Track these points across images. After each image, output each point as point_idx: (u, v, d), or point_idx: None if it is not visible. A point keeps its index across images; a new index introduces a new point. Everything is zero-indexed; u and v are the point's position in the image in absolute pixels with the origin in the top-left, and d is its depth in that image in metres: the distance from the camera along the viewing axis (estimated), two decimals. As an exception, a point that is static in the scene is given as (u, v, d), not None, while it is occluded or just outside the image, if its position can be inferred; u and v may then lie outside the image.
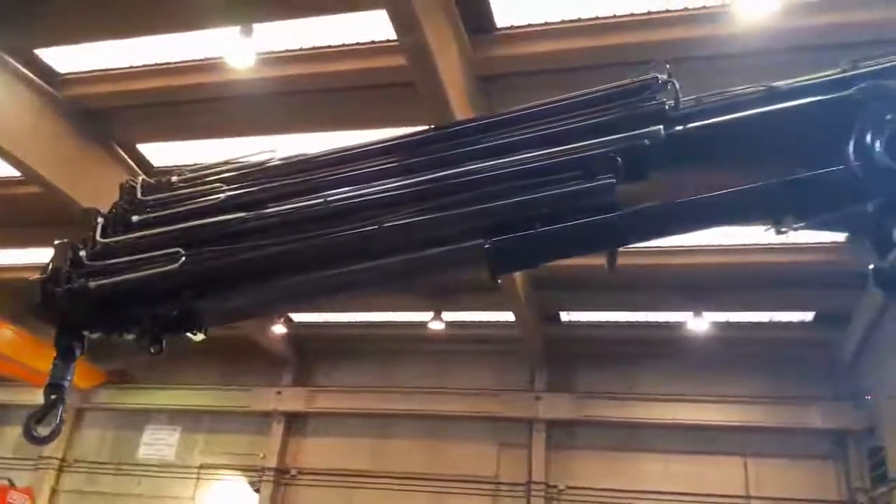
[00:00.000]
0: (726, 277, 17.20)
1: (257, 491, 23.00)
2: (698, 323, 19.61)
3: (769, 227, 2.98)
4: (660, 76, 3.11)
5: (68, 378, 2.94)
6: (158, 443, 24.74)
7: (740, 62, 11.14)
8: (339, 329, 22.94)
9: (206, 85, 13.46)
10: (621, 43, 11.23)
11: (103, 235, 2.98)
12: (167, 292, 2.88)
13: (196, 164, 3.46)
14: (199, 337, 3.05)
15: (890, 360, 17.66)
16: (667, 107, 3.05)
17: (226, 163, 3.46)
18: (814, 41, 10.72)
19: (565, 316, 21.53)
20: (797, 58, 11.07)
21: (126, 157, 16.28)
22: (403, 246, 2.92)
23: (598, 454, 21.44)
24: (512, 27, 11.79)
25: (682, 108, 3.06)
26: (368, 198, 3.05)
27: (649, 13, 11.07)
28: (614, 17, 11.17)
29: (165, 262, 2.82)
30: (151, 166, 16.84)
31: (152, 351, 2.88)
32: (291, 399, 23.87)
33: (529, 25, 11.65)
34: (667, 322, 20.57)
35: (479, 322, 21.42)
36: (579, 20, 11.33)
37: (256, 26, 12.10)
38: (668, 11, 10.96)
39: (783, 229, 2.92)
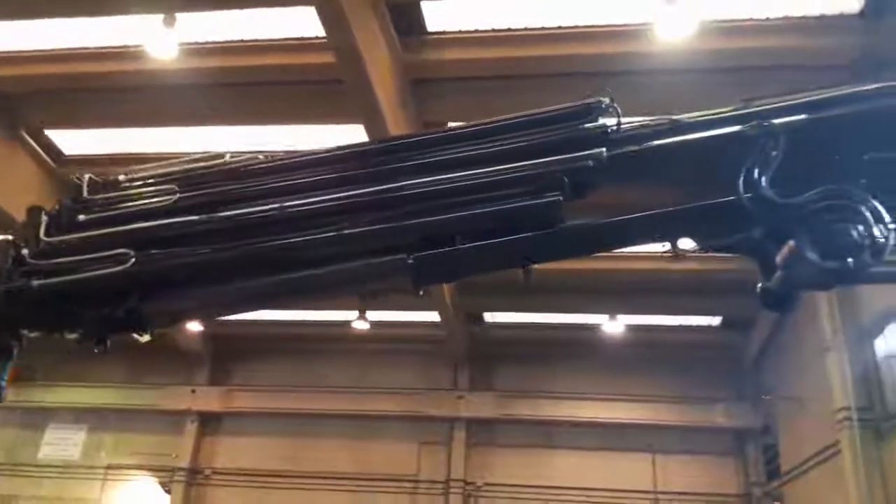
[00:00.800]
0: (641, 282, 17.91)
1: (168, 492, 22.32)
2: (613, 325, 20.37)
3: (669, 248, 3.23)
4: (603, 100, 3.25)
5: (4, 378, 2.89)
6: (62, 442, 23.56)
7: (661, 79, 11.68)
8: (260, 327, 22.48)
9: (125, 73, 12.98)
10: (548, 55, 11.57)
11: (47, 234, 2.93)
12: (114, 293, 2.86)
13: (138, 166, 3.40)
14: (146, 338, 3.06)
15: (785, 364, 18.88)
16: (609, 130, 3.18)
17: (171, 164, 3.41)
18: (727, 63, 11.37)
19: (489, 317, 21.94)
20: (713, 78, 11.72)
21: (33, 143, 15.51)
22: (333, 257, 2.98)
23: (515, 451, 21.95)
24: (443, 32, 11.94)
25: (623, 131, 3.20)
26: (304, 208, 3.07)
27: (576, 27, 11.45)
28: (542, 28, 11.50)
29: (113, 263, 2.81)
30: (62, 154, 16.12)
31: (96, 350, 2.89)
32: (206, 398, 23.25)
33: (460, 32, 11.83)
34: (584, 324, 21.25)
35: (404, 322, 21.49)
36: (509, 30, 11.59)
37: (180, 16, 11.78)
38: (593, 26, 11.37)
39: (680, 251, 3.19)
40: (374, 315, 20.55)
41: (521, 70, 12.08)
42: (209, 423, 23.44)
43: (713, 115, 3.25)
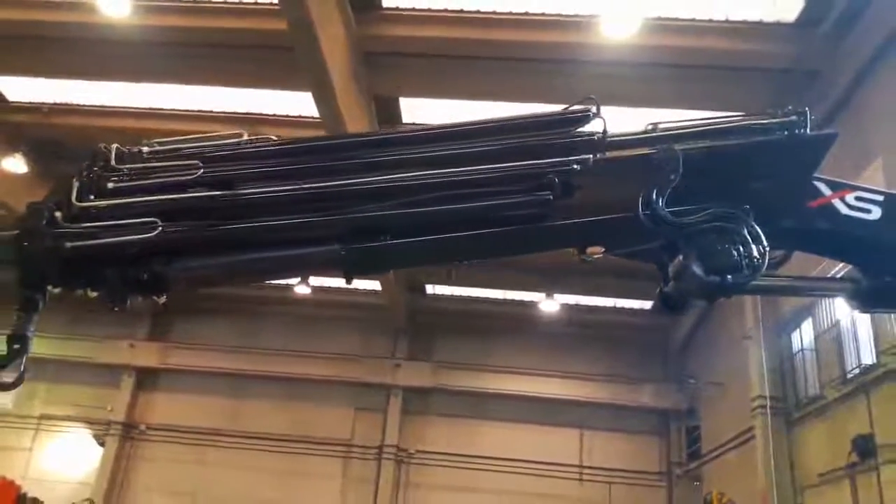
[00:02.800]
0: (578, 264, 18.36)
1: (102, 444, 22.28)
2: (550, 304, 20.95)
3: (579, 255, 3.55)
4: (591, 109, 3.48)
5: (31, 329, 3.11)
6: (-6, 391, 23.21)
7: (605, 70, 12.01)
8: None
9: (77, 24, 12.69)
10: (499, 39, 11.77)
11: (78, 199, 3.10)
12: (140, 257, 3.08)
13: (165, 139, 3.62)
14: (163, 299, 3.32)
15: (710, 350, 19.77)
16: (596, 137, 3.41)
17: (194, 139, 3.63)
18: (668, 60, 11.76)
19: (430, 288, 22.27)
20: (655, 72, 12.12)
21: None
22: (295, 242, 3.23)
23: (450, 421, 22.56)
24: (397, 9, 12.00)
25: (608, 138, 3.38)
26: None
27: (527, 13, 11.65)
28: (494, 13, 11.67)
29: (142, 230, 3.01)
30: (6, 99, 15.72)
31: (116, 309, 3.13)
32: (145, 353, 23.20)
33: (414, 9, 11.92)
34: (522, 301, 21.81)
35: (346, 289, 21.63)
36: (462, 11, 11.72)
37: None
38: (543, 14, 11.58)
39: (588, 258, 3.51)
40: (317, 280, 20.69)
41: (471, 51, 12.24)
42: (146, 378, 23.42)
43: (632, 135, 3.50)
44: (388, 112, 14.39)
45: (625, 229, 3.25)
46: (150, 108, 15.36)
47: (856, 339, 11.73)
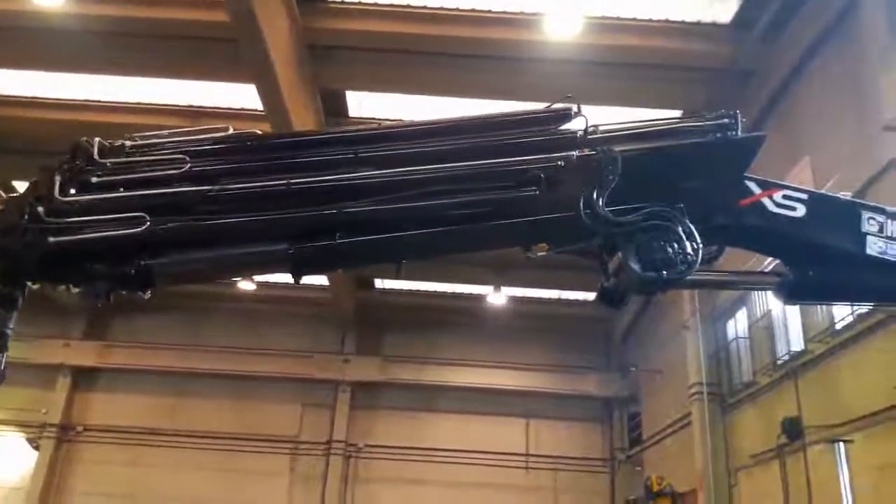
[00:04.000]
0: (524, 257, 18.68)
1: (36, 448, 21.52)
2: (497, 296, 21.23)
3: (524, 251, 3.68)
4: (573, 108, 3.56)
5: (10, 326, 3.06)
6: (-82, 395, 22.16)
7: (548, 68, 12.24)
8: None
9: (8, 12, 12.19)
10: (446, 35, 11.85)
11: (60, 194, 3.05)
12: (125, 252, 3.06)
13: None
14: (147, 295, 3.27)
15: (650, 339, 20.40)
16: (578, 135, 3.53)
17: (174, 133, 3.55)
18: (610, 58, 12.06)
19: (379, 283, 22.25)
20: (597, 70, 12.41)
21: None
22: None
23: (398, 414, 22.65)
24: (343, 2, 11.97)
25: (589, 136, 3.52)
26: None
27: (473, 10, 11.76)
28: (441, 8, 11.74)
29: (129, 225, 2.99)
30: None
31: (99, 305, 3.17)
32: (81, 352, 22.49)
33: (360, 3, 11.90)
34: (471, 294, 22.02)
35: (292, 284, 21.23)
36: (408, 6, 11.75)
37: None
38: (490, 11, 11.71)
39: (533, 254, 3.64)
40: (262, 276, 20.38)
41: (417, 46, 12.30)
42: (83, 378, 22.69)
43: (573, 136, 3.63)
44: (335, 106, 14.32)
45: (567, 228, 3.38)
46: (89, 101, 14.87)
47: (786, 328, 12.31)
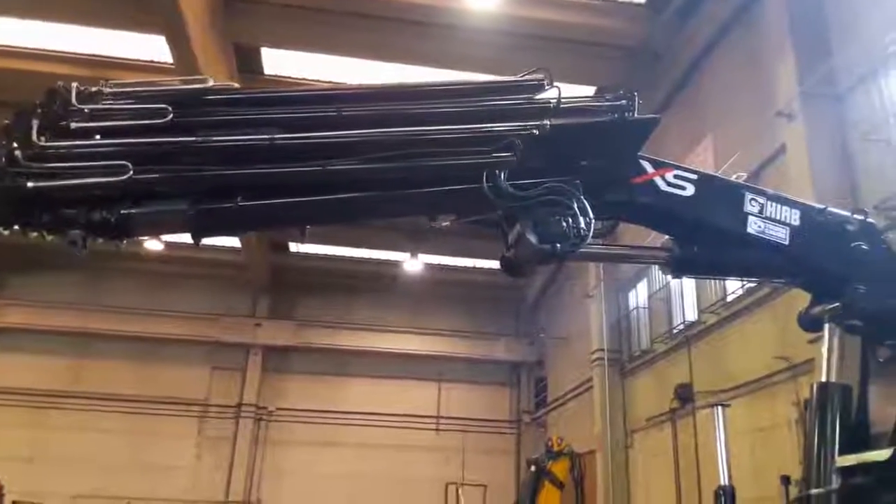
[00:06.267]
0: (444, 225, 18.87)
1: (-78, 411, 20.29)
2: (414, 263, 21.39)
3: (430, 221, 3.79)
4: (545, 79, 3.61)
5: None
6: None
7: (473, 36, 12.29)
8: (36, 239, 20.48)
9: None
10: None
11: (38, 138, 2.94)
12: (104, 200, 3.01)
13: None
14: (125, 244, 3.24)
15: (557, 307, 21.15)
16: (551, 104, 3.57)
17: (157, 83, 3.41)
18: (527, 30, 12.21)
19: (294, 247, 21.94)
20: (514, 42, 12.52)
21: None
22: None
23: (311, 378, 22.64)
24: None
25: (562, 106, 3.56)
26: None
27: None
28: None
29: (113, 173, 2.94)
30: None
31: (76, 252, 3.04)
32: (-27, 312, 21.18)
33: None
34: (387, 260, 22.08)
35: (204, 246, 20.68)
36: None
37: None
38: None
39: (436, 224, 3.77)
40: (170, 236, 19.70)
41: (338, 5, 12.07)
42: (-24, 339, 21.43)
43: None
44: (250, 62, 13.90)
45: (471, 199, 3.47)
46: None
47: (682, 299, 13.05)
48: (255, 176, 3.24)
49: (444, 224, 3.78)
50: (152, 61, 13.94)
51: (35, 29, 13.52)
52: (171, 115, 3.16)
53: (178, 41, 11.40)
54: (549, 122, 3.42)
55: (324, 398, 22.30)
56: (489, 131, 3.40)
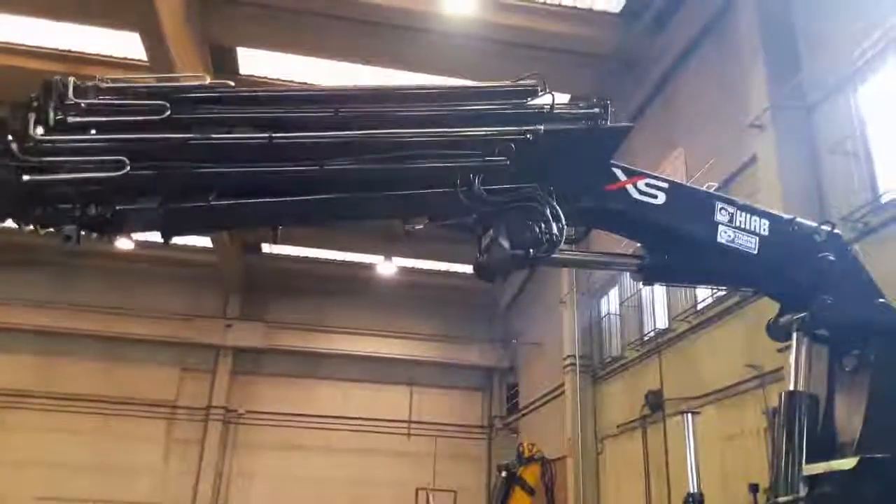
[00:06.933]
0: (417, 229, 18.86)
1: None
2: (387, 266, 21.34)
3: (403, 223, 3.78)
4: (539, 85, 3.60)
5: None
6: None
7: (450, 41, 12.30)
8: (7, 234, 19.96)
9: None
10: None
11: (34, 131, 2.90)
12: (99, 195, 2.99)
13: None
14: (117, 239, 3.15)
15: (530, 313, 21.20)
16: (545, 110, 3.57)
17: (153, 79, 3.35)
18: (504, 37, 12.28)
19: (267, 248, 21.76)
20: (491, 48, 12.59)
21: None
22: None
23: (282, 381, 22.42)
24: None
25: (555, 111, 3.58)
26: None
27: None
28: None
29: (109, 168, 2.92)
30: None
31: (68, 245, 3.03)
32: (-66, 309, 20.61)
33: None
34: (361, 263, 21.98)
35: (174, 245, 20.43)
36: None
37: None
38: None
39: (411, 227, 3.75)
40: (142, 235, 19.37)
41: (314, 7, 12.00)
42: (-64, 337, 20.85)
43: None
44: (225, 62, 13.76)
45: (445, 203, 3.48)
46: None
47: (653, 306, 13.15)
48: (254, 174, 3.22)
49: (418, 227, 3.76)
50: (126, 58, 13.73)
51: (6, 22, 13.24)
52: (168, 112, 3.13)
53: (153, 38, 11.24)
54: (542, 128, 3.44)
55: (294, 401, 22.10)
56: (484, 135, 3.42)
